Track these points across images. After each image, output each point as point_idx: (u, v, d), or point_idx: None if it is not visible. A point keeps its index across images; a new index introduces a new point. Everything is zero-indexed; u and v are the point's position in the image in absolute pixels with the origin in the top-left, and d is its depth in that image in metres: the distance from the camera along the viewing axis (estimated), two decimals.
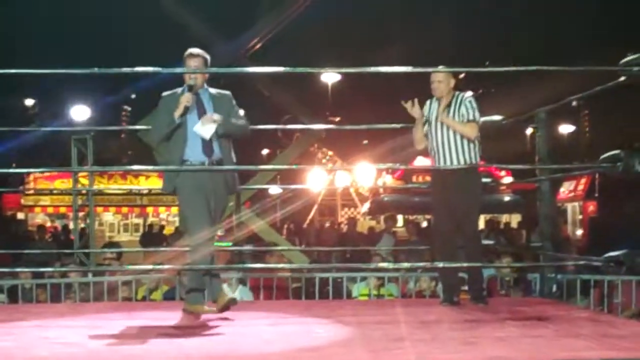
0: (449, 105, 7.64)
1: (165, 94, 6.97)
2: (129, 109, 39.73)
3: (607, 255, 5.59)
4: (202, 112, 6.83)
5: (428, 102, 7.84)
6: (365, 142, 37.42)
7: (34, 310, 7.84)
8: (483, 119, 7.82)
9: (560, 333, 5.82)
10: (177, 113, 6.70)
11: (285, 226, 26.62)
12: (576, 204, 29.70)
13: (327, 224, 31.07)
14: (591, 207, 29.02)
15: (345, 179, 32.72)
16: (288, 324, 6.63)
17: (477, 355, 4.86)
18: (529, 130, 37.19)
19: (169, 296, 9.47)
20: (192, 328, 6.36)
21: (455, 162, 7.58)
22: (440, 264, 7.56)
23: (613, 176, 6.65)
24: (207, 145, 6.81)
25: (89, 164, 12.73)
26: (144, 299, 9.73)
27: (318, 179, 30.72)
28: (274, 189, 25.82)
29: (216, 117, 6.74)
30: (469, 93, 7.83)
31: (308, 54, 27.84)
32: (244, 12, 18.03)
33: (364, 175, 30.56)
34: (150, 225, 28.18)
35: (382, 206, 30.36)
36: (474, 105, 7.62)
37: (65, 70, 6.84)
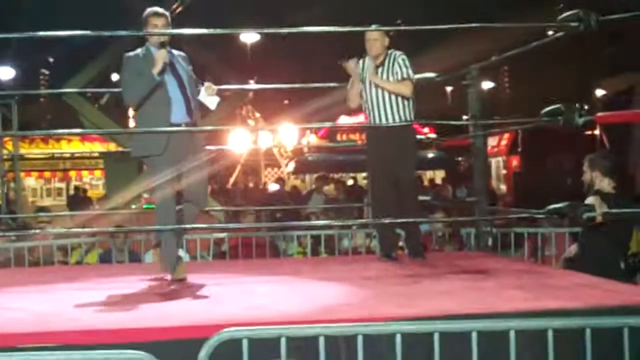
0: (382, 64, 7.68)
1: (128, 54, 6.74)
2: (47, 72, 39.03)
3: (549, 207, 5.70)
4: (175, 72, 6.67)
5: (361, 60, 7.86)
6: (286, 101, 37.38)
7: None
8: (416, 76, 7.86)
9: (503, 285, 5.93)
10: (157, 70, 6.48)
11: (209, 187, 26.47)
12: (500, 159, 30.14)
13: (251, 184, 31.03)
14: (514, 162, 29.46)
15: (269, 139, 32.59)
16: (231, 284, 6.60)
17: (427, 308, 4.90)
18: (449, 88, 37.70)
19: (105, 259, 9.42)
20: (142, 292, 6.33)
21: (390, 119, 7.61)
22: (386, 220, 7.58)
23: (547, 130, 6.76)
24: (189, 105, 6.66)
25: (14, 129, 12.54)
26: (79, 262, 9.65)
27: (242, 140, 30.56)
28: None
29: (214, 86, 6.66)
30: (400, 51, 7.85)
31: (229, 15, 27.66)
32: None
33: (288, 135, 30.51)
34: (77, 189, 27.81)
35: (306, 165, 30.46)
36: (407, 63, 7.66)
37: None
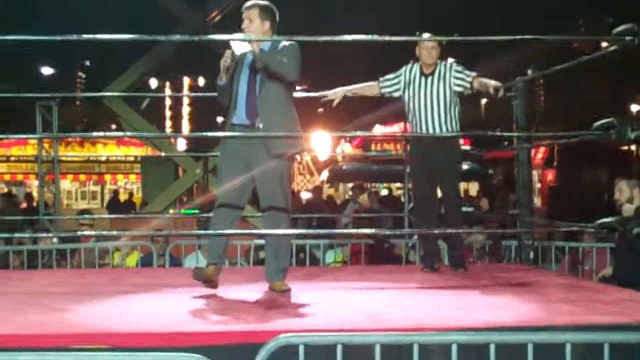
0: (432, 74, 7.66)
1: None
2: (84, 75, 39.33)
3: (600, 221, 5.68)
4: (254, 71, 6.36)
5: (405, 67, 7.84)
6: (320, 110, 37.36)
7: (15, 277, 7.79)
8: None
9: (549, 298, 5.90)
10: (221, 74, 6.37)
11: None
12: (534, 172, 30.00)
13: None
14: (550, 175, 29.32)
15: None
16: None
17: (479, 320, 4.89)
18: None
19: (145, 262, 9.46)
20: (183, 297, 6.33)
21: (437, 129, 7.58)
22: (435, 231, 7.57)
23: (583, 144, 6.73)
24: (250, 106, 6.35)
25: (54, 131, 12.61)
26: (119, 266, 9.71)
27: None
28: None
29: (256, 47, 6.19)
30: (451, 60, 7.86)
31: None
32: None
33: (321, 144, 30.46)
34: (116, 192, 27.69)
35: (340, 174, 30.40)
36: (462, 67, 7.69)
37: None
